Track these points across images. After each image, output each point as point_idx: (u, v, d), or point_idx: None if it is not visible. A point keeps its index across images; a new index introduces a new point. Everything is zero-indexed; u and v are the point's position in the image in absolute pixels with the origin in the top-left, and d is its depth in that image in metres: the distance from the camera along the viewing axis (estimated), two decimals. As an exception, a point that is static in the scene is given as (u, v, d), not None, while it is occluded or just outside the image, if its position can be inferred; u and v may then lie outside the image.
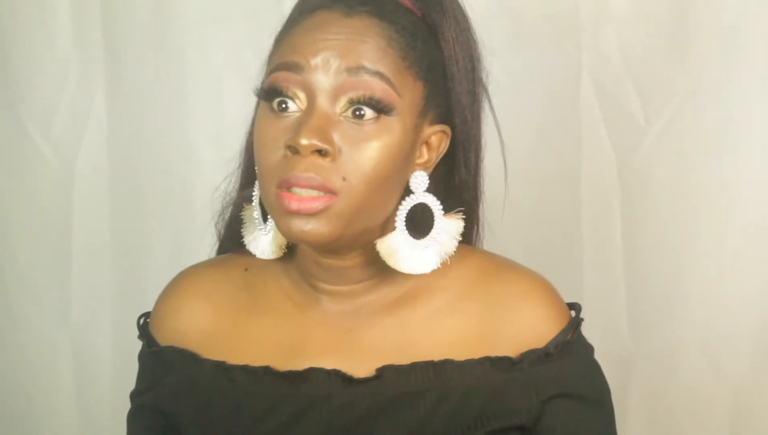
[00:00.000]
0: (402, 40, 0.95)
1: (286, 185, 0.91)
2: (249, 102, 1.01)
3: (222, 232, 1.10)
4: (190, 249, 1.14)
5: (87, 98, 1.72)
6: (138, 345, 1.10)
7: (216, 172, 1.10)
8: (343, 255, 0.99)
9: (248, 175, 1.06)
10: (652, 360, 1.63)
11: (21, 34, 1.70)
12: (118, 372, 1.73)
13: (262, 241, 1.02)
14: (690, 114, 1.57)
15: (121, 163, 1.74)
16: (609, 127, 1.61)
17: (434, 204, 0.98)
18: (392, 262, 0.97)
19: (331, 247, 0.97)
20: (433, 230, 0.98)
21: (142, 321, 1.11)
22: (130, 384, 1.10)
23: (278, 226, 0.94)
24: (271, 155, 0.93)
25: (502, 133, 1.08)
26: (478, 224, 1.08)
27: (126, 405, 1.10)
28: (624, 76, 1.59)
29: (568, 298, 1.06)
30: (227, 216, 1.09)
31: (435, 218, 0.98)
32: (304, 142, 0.90)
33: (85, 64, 1.71)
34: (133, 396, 1.10)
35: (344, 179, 0.91)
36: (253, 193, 1.02)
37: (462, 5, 1.02)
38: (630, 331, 1.63)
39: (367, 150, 0.92)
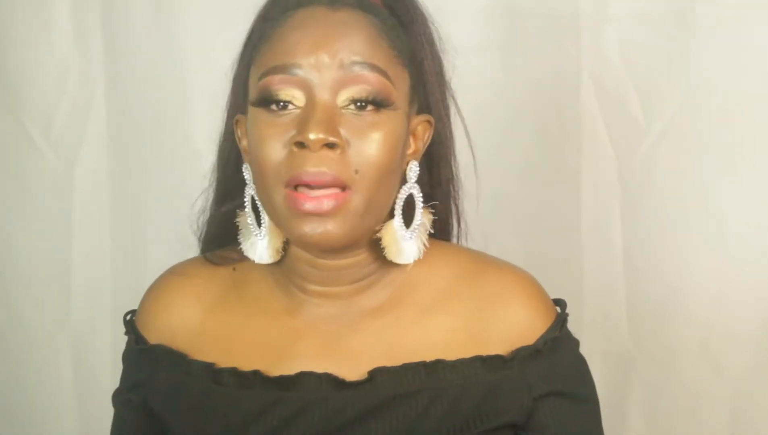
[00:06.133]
0: (389, 29, 0.95)
1: (296, 183, 0.89)
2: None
3: (202, 247, 1.09)
4: (190, 249, 1.14)
5: (87, 98, 1.72)
6: (136, 343, 1.10)
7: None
8: (345, 255, 0.98)
9: (222, 190, 1.05)
10: (652, 360, 1.63)
11: (21, 34, 1.70)
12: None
13: (259, 246, 1.00)
14: (690, 114, 1.57)
15: (121, 163, 1.73)
16: (609, 127, 1.61)
17: (419, 195, 0.99)
18: (393, 251, 0.97)
19: (340, 249, 0.96)
20: (414, 221, 0.99)
21: (128, 317, 1.10)
22: (130, 384, 1.10)
23: (289, 231, 0.93)
24: (274, 153, 0.91)
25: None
26: (459, 218, 1.08)
27: (126, 404, 1.10)
28: (624, 77, 1.58)
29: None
30: (205, 232, 1.08)
31: (417, 209, 0.99)
32: (312, 136, 0.88)
33: (85, 64, 1.71)
34: (118, 394, 1.09)
35: (356, 172, 0.90)
36: (244, 200, 1.00)
37: (420, 2, 1.01)
38: (630, 331, 1.63)
39: (372, 140, 0.91)
